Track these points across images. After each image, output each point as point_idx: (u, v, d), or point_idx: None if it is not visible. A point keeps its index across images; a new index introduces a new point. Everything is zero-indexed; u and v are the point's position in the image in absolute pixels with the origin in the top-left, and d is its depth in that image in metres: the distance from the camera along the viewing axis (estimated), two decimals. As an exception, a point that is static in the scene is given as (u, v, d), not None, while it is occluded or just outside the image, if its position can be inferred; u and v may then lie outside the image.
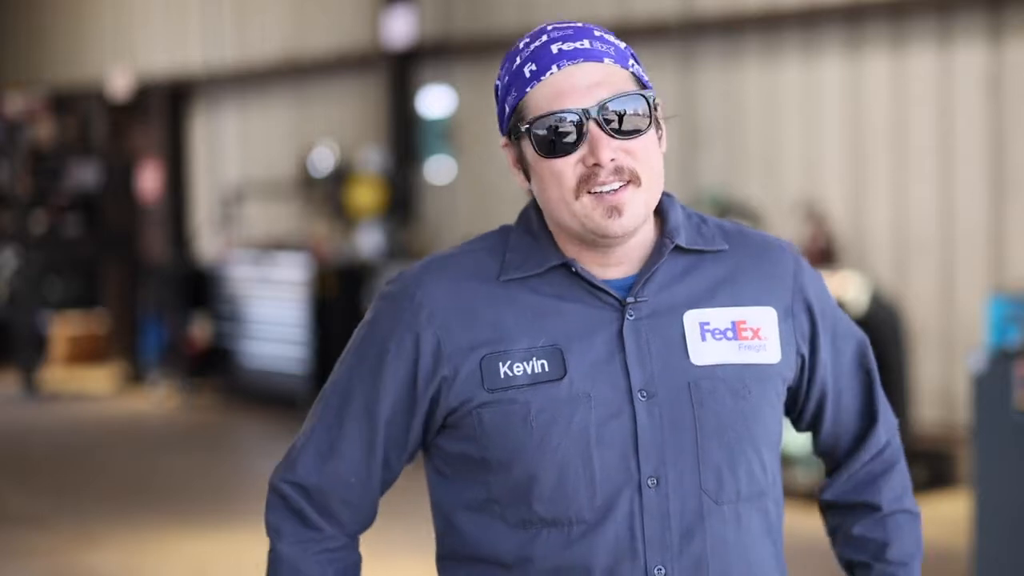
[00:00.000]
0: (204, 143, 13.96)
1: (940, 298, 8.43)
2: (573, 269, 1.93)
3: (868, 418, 2.15)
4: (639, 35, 9.70)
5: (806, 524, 7.26)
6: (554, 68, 1.90)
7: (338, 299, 10.87)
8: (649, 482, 1.89)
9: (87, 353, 14.02)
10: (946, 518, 7.18)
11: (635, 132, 1.89)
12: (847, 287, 7.85)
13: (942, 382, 8.38)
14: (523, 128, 1.90)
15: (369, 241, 11.28)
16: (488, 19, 10.88)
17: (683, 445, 1.90)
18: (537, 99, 1.90)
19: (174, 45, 13.99)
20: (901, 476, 2.13)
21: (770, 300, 1.98)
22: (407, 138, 11.46)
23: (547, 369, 1.90)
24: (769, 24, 9.08)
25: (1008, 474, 5.13)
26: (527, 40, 1.96)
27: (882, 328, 7.81)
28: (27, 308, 12.98)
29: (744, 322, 1.96)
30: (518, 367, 1.90)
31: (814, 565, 6.67)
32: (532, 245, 1.96)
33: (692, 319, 1.94)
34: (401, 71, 11.39)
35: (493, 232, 2.01)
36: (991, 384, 5.13)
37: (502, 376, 1.90)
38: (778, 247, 2.04)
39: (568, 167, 1.88)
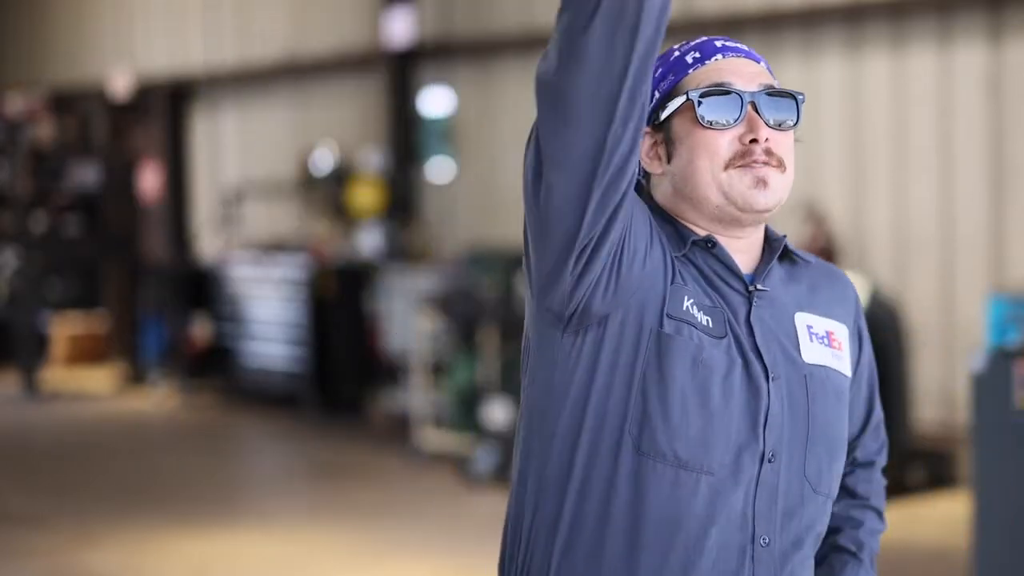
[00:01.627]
0: (204, 143, 13.96)
1: (940, 298, 8.43)
2: (712, 244, 2.01)
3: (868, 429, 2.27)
4: (639, 35, 9.70)
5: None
6: (719, 56, 2.03)
7: (338, 299, 10.88)
8: (770, 456, 1.97)
9: (87, 353, 14.02)
10: (946, 518, 7.18)
11: (785, 125, 2.03)
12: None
13: (942, 382, 8.38)
14: (689, 96, 1.98)
15: (369, 241, 11.28)
16: (488, 19, 10.88)
17: (796, 431, 2.00)
18: (699, 77, 2.01)
19: (174, 45, 13.99)
20: (882, 492, 2.26)
21: (844, 319, 2.13)
22: (407, 138, 11.46)
23: (711, 325, 1.97)
24: (769, 24, 9.08)
25: (1008, 474, 5.13)
26: (685, 43, 2.08)
27: (882, 328, 7.81)
28: (27, 308, 12.98)
29: (833, 333, 2.10)
30: (695, 310, 1.97)
31: (814, 565, 6.66)
32: (668, 229, 2.03)
33: (801, 320, 2.07)
34: (401, 71, 11.39)
35: None
36: (991, 384, 5.13)
37: (684, 308, 1.96)
38: (843, 274, 2.20)
39: (724, 140, 1.99)
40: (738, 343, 1.98)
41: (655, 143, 2.04)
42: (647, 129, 2.04)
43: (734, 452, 1.95)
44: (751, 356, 1.98)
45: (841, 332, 2.11)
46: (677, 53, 2.06)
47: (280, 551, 7.10)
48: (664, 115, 2.02)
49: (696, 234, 2.01)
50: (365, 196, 11.31)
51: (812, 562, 2.06)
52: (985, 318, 5.54)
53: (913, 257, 8.54)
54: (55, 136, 14.54)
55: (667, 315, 1.95)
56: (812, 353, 2.05)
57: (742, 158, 1.98)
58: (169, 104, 13.98)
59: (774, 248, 2.07)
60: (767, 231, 2.09)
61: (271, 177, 12.68)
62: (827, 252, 8.62)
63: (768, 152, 1.99)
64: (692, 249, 2.01)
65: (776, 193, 2.00)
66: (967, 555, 5.72)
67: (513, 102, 10.69)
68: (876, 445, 2.23)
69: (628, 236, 1.91)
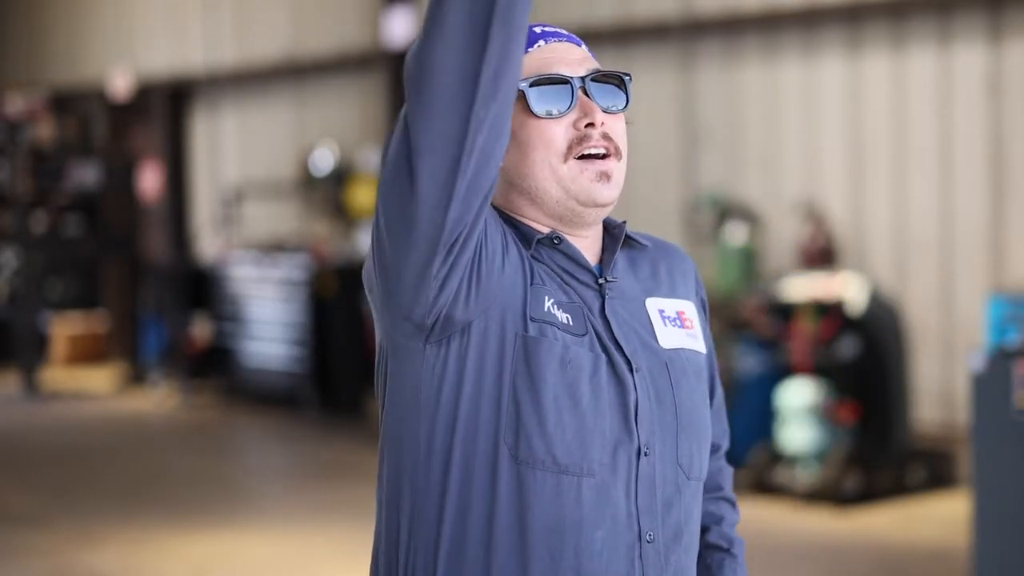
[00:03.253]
0: (204, 143, 13.96)
1: (940, 298, 8.43)
2: (558, 241, 1.97)
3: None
4: (639, 35, 9.70)
5: (806, 524, 7.26)
6: (540, 42, 1.99)
7: (338, 299, 10.88)
8: (645, 450, 1.94)
9: (87, 353, 14.03)
10: (946, 518, 7.19)
11: (615, 108, 1.97)
12: (847, 287, 7.85)
13: (942, 382, 8.38)
14: (519, 87, 1.91)
15: (369, 241, 11.27)
16: (488, 19, 10.87)
17: (665, 419, 1.97)
18: (527, 67, 1.95)
19: (174, 45, 13.99)
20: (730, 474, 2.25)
21: (689, 295, 2.10)
22: (407, 138, 11.45)
23: (571, 323, 1.93)
24: (769, 24, 9.08)
25: (1008, 474, 5.13)
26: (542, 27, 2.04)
27: (882, 328, 7.81)
28: (27, 308, 12.98)
29: (683, 312, 2.07)
30: (556, 310, 1.94)
31: (814, 565, 6.67)
32: (510, 228, 1.98)
33: (652, 305, 2.03)
34: (401, 71, 11.38)
35: None
36: (991, 384, 5.13)
37: (546, 309, 1.93)
38: (678, 248, 2.16)
39: (560, 128, 1.94)
40: (599, 338, 1.94)
41: None
42: None
43: (611, 450, 1.91)
44: (612, 350, 1.94)
45: (690, 309, 2.08)
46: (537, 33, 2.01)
47: (280, 551, 7.10)
48: None
49: (539, 232, 1.97)
50: (365, 196, 11.31)
51: (695, 550, 2.02)
52: (985, 318, 5.54)
53: (913, 257, 8.54)
54: (55, 136, 14.54)
55: (530, 318, 1.90)
56: (668, 337, 2.01)
57: (580, 144, 1.93)
58: (169, 104, 13.99)
59: (616, 236, 2.02)
60: (605, 220, 2.04)
61: (271, 177, 12.69)
62: (827, 252, 8.62)
63: (605, 137, 1.94)
64: (537, 248, 1.97)
65: (618, 185, 1.96)
66: (967, 555, 5.72)
67: (513, 102, 10.69)
68: (720, 428, 2.19)
69: (485, 239, 1.87)
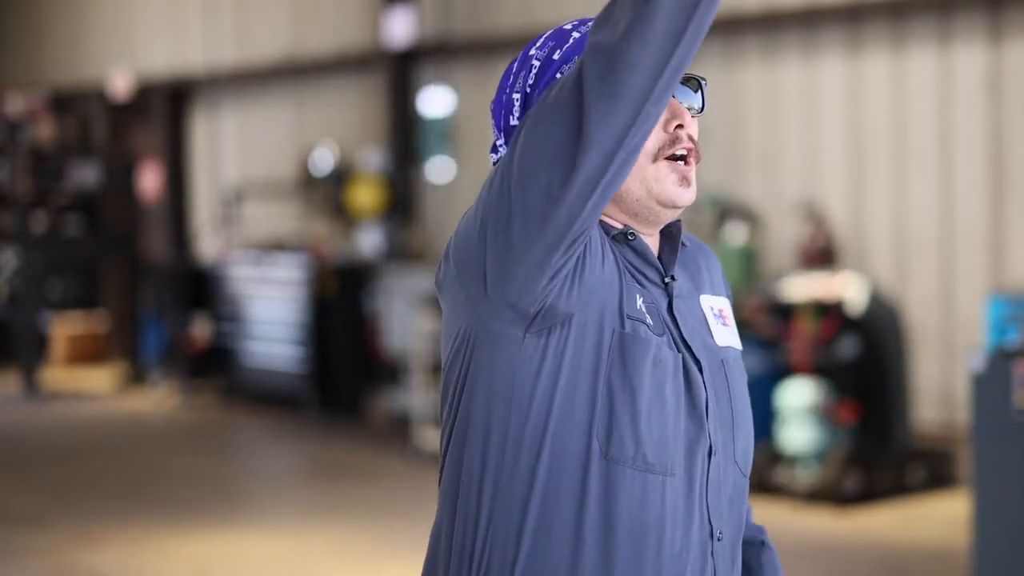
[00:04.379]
0: (204, 143, 13.96)
1: (940, 298, 8.43)
2: (632, 237, 1.97)
3: None
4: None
5: (806, 524, 7.26)
6: None
7: (338, 299, 10.88)
8: (714, 449, 1.97)
9: (87, 353, 14.03)
10: (946, 518, 7.19)
11: (696, 111, 1.99)
12: (847, 287, 7.85)
13: (942, 382, 8.38)
14: None
15: (369, 241, 11.29)
16: (488, 19, 10.88)
17: (724, 418, 2.00)
18: None
19: (174, 45, 13.99)
20: None
21: (725, 292, 2.13)
22: (407, 138, 11.46)
23: (653, 324, 1.94)
24: (769, 24, 9.08)
25: (1008, 474, 5.13)
26: (576, 23, 2.02)
27: (882, 328, 7.81)
28: (27, 308, 12.98)
29: (723, 310, 2.09)
30: (644, 308, 1.94)
31: (814, 565, 6.67)
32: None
33: (705, 304, 2.05)
34: (401, 71, 11.39)
35: None
36: (991, 384, 5.13)
37: (637, 307, 1.93)
38: (707, 246, 2.18)
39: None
40: (672, 338, 1.95)
41: None
42: None
43: (689, 450, 1.93)
44: (684, 349, 1.95)
45: (727, 307, 2.10)
46: (576, 35, 1.99)
47: (280, 551, 7.10)
48: None
49: (613, 227, 1.97)
50: (365, 196, 11.31)
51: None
52: (985, 318, 5.54)
53: (913, 257, 8.54)
54: (55, 136, 14.54)
55: (627, 315, 1.91)
56: (720, 335, 2.03)
57: (671, 146, 1.94)
58: (169, 104, 13.99)
59: (672, 235, 2.03)
60: None
61: (271, 177, 12.69)
62: (827, 252, 8.62)
63: (691, 138, 1.96)
64: (610, 243, 1.97)
65: (695, 189, 1.98)
66: (967, 555, 5.72)
67: (513, 102, 10.69)
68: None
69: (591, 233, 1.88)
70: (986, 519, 5.15)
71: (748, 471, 2.05)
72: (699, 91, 1.99)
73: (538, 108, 1.80)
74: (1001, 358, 5.14)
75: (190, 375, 11.96)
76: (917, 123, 8.49)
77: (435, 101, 11.42)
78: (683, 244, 2.07)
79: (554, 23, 10.69)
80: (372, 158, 11.48)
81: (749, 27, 9.20)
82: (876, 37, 8.64)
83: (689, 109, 1.97)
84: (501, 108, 2.03)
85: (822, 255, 8.59)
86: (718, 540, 1.96)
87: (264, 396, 11.39)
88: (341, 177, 11.70)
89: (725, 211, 9.02)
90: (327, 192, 11.85)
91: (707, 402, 1.95)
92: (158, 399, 11.99)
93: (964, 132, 8.28)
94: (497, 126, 2.04)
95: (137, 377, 12.82)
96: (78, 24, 15.42)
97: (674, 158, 1.95)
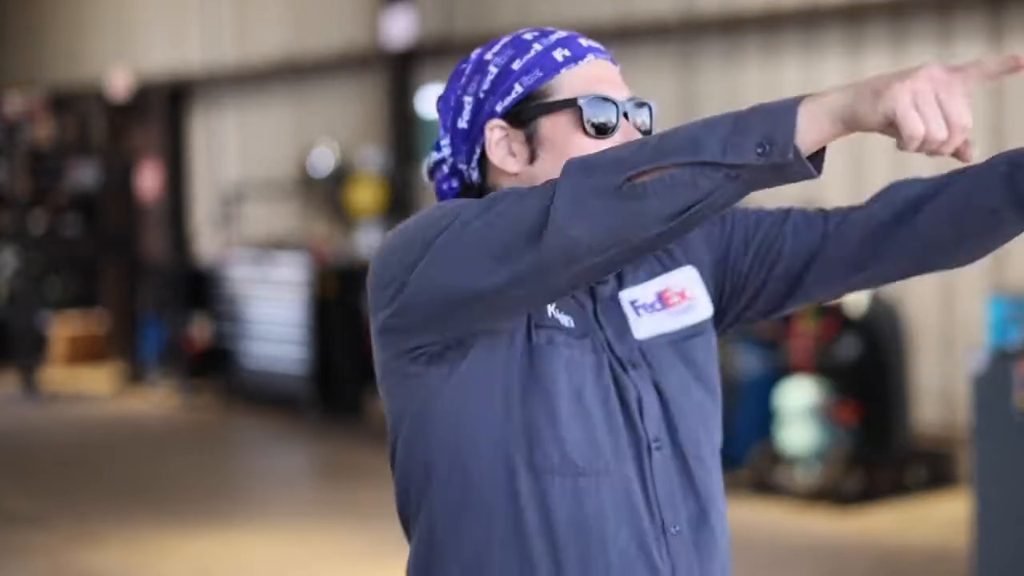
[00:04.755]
0: (204, 143, 13.96)
1: (940, 298, 8.43)
2: None
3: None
4: (639, 35, 9.70)
5: (806, 524, 7.26)
6: (590, 56, 1.99)
7: (338, 299, 10.88)
8: (655, 444, 1.96)
9: (87, 353, 14.02)
10: (946, 518, 7.19)
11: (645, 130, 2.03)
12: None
13: (942, 382, 8.38)
14: (578, 103, 1.94)
15: (369, 241, 11.28)
16: (488, 19, 10.88)
17: (664, 410, 1.99)
18: (573, 81, 1.97)
19: (174, 45, 13.99)
20: None
21: (680, 260, 2.07)
22: (407, 138, 11.46)
23: (573, 325, 1.95)
24: (769, 24, 9.08)
25: (1008, 474, 5.13)
26: (536, 33, 2.01)
27: (882, 328, 7.81)
28: (27, 308, 12.98)
29: (667, 290, 2.05)
30: (559, 312, 1.95)
31: (814, 565, 6.67)
32: None
33: (625, 299, 2.03)
34: (401, 71, 11.39)
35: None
36: (991, 384, 5.13)
37: (549, 315, 1.94)
38: None
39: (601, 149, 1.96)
40: (597, 339, 1.96)
41: (508, 138, 1.98)
42: (499, 123, 1.99)
43: (623, 448, 1.93)
44: (610, 350, 1.96)
45: (680, 280, 2.05)
46: (538, 47, 1.98)
47: (280, 551, 7.10)
48: (529, 115, 1.97)
49: None
50: (365, 196, 11.30)
51: (726, 531, 2.03)
52: (985, 318, 5.55)
53: (913, 257, 8.55)
54: (54, 136, 14.53)
55: (536, 326, 1.91)
56: (643, 326, 2.01)
57: None
58: (168, 104, 13.98)
59: None
60: None
61: (271, 177, 12.68)
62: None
63: None
64: None
65: None
66: (967, 555, 5.72)
67: (513, 102, 10.70)
68: (811, 221, 2.06)
69: None
70: (986, 519, 5.15)
71: (706, 453, 2.00)
72: (648, 115, 2.03)
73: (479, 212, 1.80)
74: (1001, 358, 5.14)
75: (190, 375, 11.96)
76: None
77: (435, 101, 11.42)
78: None
79: (553, 23, 10.71)
80: (372, 158, 11.48)
81: (749, 27, 9.20)
82: (876, 37, 8.64)
83: (639, 129, 2.00)
84: (449, 110, 2.05)
85: (822, 255, 8.58)
86: (673, 533, 1.95)
87: (264, 396, 11.39)
88: (341, 177, 11.70)
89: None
90: (327, 192, 11.85)
91: (639, 399, 1.95)
92: (158, 399, 11.99)
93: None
94: (443, 126, 2.06)
95: (136, 377, 12.82)
96: (77, 24, 15.42)
97: None
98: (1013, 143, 8.10)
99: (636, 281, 2.04)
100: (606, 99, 1.96)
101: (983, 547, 5.15)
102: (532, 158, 1.98)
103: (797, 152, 1.62)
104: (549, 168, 1.95)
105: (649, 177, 1.67)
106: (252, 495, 8.74)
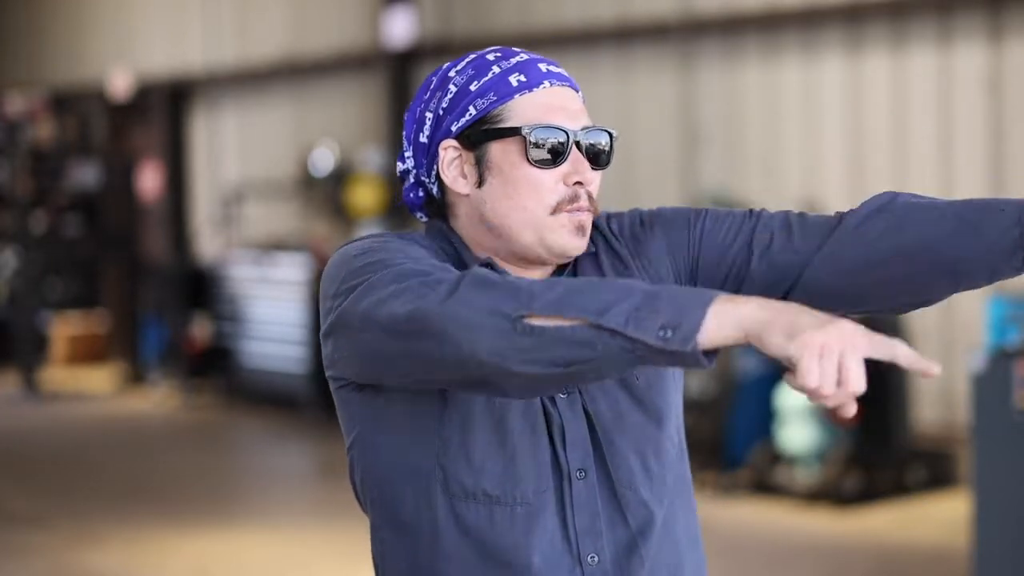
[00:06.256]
0: (204, 143, 13.96)
1: (940, 298, 8.43)
2: (491, 268, 1.97)
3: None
4: (639, 35, 9.70)
5: (806, 524, 7.26)
6: (546, 83, 1.97)
7: (338, 299, 10.86)
8: (578, 473, 1.96)
9: (87, 353, 14.02)
10: (946, 518, 7.19)
11: (602, 165, 1.99)
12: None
13: (942, 382, 8.38)
14: (522, 132, 1.94)
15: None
16: (488, 19, 10.88)
17: (595, 438, 1.98)
18: (525, 108, 1.96)
19: (174, 45, 14.00)
20: None
21: (639, 271, 2.04)
22: (407, 138, 11.45)
23: None
24: (769, 24, 9.08)
25: (1008, 474, 5.13)
26: (499, 54, 2.01)
27: (882, 328, 7.80)
28: (27, 308, 12.98)
29: None
30: None
31: (814, 565, 6.67)
32: (449, 250, 2.01)
33: None
34: (401, 71, 11.39)
35: (421, 233, 2.07)
36: (991, 384, 5.13)
37: None
38: (619, 223, 2.08)
39: (551, 179, 1.95)
40: None
41: (460, 159, 1.99)
42: (452, 143, 1.98)
43: (543, 477, 1.94)
44: None
45: None
46: (497, 69, 1.98)
47: (280, 551, 7.10)
48: (479, 138, 1.97)
49: (477, 258, 1.99)
50: (365, 196, 11.31)
51: (669, 560, 2.01)
52: (985, 318, 5.55)
53: (913, 257, 8.54)
54: (55, 136, 14.54)
55: None
56: None
57: (570, 203, 1.95)
58: (169, 104, 13.99)
59: (565, 265, 2.03)
60: None
61: (271, 177, 12.69)
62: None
63: (589, 196, 1.97)
64: None
65: (587, 238, 1.98)
66: (967, 555, 5.72)
67: (513, 102, 10.69)
68: (821, 228, 1.98)
69: None
70: (986, 519, 5.15)
71: (640, 483, 1.98)
72: (608, 143, 1.99)
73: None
74: (1001, 358, 5.14)
75: (190, 375, 11.96)
76: (917, 123, 8.49)
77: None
78: (581, 259, 2.03)
79: (552, 23, 10.73)
80: (372, 158, 11.48)
81: (749, 27, 9.19)
82: (876, 37, 8.64)
83: (597, 166, 1.97)
84: (413, 121, 2.04)
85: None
86: (591, 563, 1.95)
87: (264, 396, 11.39)
88: (341, 177, 11.70)
89: (725, 211, 9.02)
90: (327, 192, 11.85)
91: (562, 427, 1.95)
92: (158, 399, 11.99)
93: (964, 132, 8.28)
94: (407, 137, 2.06)
95: (137, 377, 12.82)
96: (78, 24, 15.42)
97: (572, 211, 1.96)
98: (1013, 142, 8.11)
99: None
100: (554, 128, 1.94)
101: (983, 547, 5.15)
102: (480, 182, 1.98)
103: (695, 346, 1.64)
104: (495, 194, 1.96)
105: (547, 322, 1.68)
106: (252, 495, 8.74)
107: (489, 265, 1.97)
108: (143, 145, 14.30)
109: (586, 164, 1.96)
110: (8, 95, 14.48)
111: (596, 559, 1.95)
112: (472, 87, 1.98)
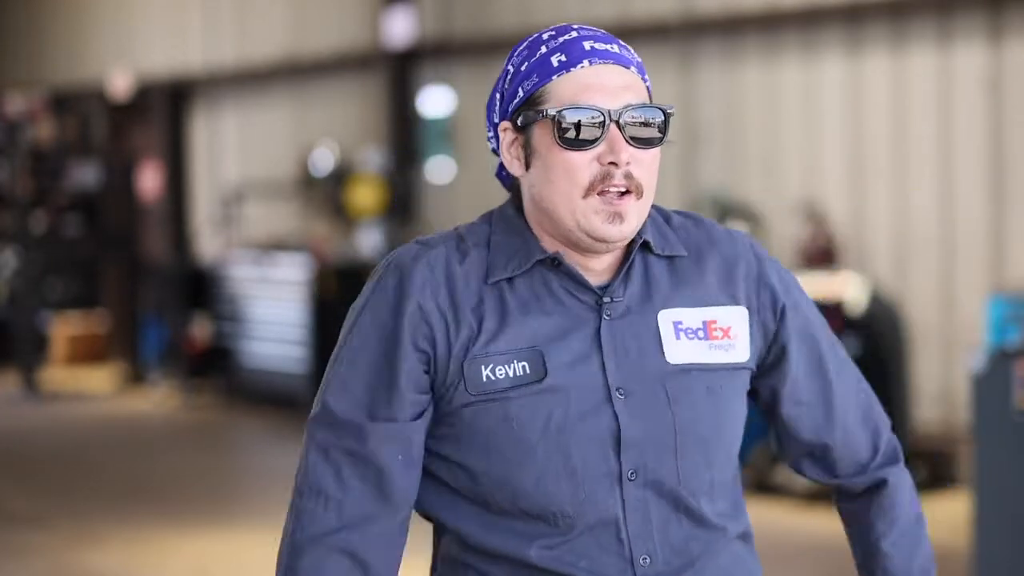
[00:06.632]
0: (204, 143, 13.96)
1: (940, 298, 8.43)
2: (557, 263, 1.96)
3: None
4: (639, 35, 9.70)
5: (806, 524, 7.26)
6: (585, 63, 1.93)
7: (338, 299, 10.87)
8: (630, 475, 1.93)
9: (87, 353, 14.02)
10: (946, 518, 7.19)
11: (649, 143, 1.94)
12: (847, 287, 7.85)
13: (942, 382, 8.38)
14: (549, 113, 1.92)
15: (369, 241, 11.28)
16: (488, 19, 10.88)
17: (661, 439, 1.95)
18: (563, 89, 1.93)
19: (174, 45, 13.99)
20: None
21: (738, 299, 2.03)
22: (407, 138, 11.46)
23: (528, 371, 1.93)
24: (769, 24, 9.08)
25: (1008, 474, 5.13)
26: (553, 33, 1.98)
27: (882, 328, 7.81)
28: (27, 308, 12.98)
29: (715, 322, 2.01)
30: (500, 370, 1.93)
31: (814, 565, 6.67)
32: (515, 243, 1.98)
33: (666, 318, 1.98)
34: (401, 71, 11.39)
35: (478, 224, 2.03)
36: (991, 384, 5.13)
37: (484, 380, 1.93)
38: (739, 243, 2.08)
39: (584, 162, 1.91)
40: (585, 368, 1.94)
41: (515, 141, 1.98)
42: (508, 125, 1.98)
43: (586, 484, 1.92)
44: (603, 374, 1.94)
45: (730, 316, 2.01)
46: (544, 49, 1.96)
47: (280, 551, 7.09)
48: (524, 121, 1.95)
49: (544, 251, 1.96)
50: (365, 196, 11.31)
51: (727, 556, 2.01)
52: (985, 318, 5.55)
53: (913, 257, 8.54)
54: (55, 136, 14.53)
55: (469, 393, 1.93)
56: (680, 352, 1.97)
57: (602, 182, 1.91)
58: (169, 104, 13.98)
59: (630, 251, 1.99)
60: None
61: (271, 177, 12.69)
62: (827, 252, 8.62)
63: (628, 176, 1.91)
64: (535, 267, 1.96)
65: (631, 224, 1.93)
66: (967, 555, 5.72)
67: (513, 102, 10.69)
68: (863, 437, 2.18)
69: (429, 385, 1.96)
70: (986, 519, 5.15)
71: (703, 490, 1.98)
72: (660, 120, 1.95)
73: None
74: (1001, 358, 5.14)
75: (190, 375, 11.96)
76: (917, 123, 8.49)
77: (435, 101, 11.42)
78: (670, 256, 2.02)
79: (554, 23, 10.69)
80: (372, 158, 11.48)
81: (749, 27, 9.20)
82: (876, 37, 8.64)
83: (641, 143, 1.93)
84: (491, 103, 2.05)
85: (822, 255, 8.59)
86: (643, 565, 1.94)
87: (264, 396, 11.39)
88: (341, 177, 11.70)
89: (725, 211, 9.02)
90: (327, 192, 11.85)
91: (619, 428, 1.93)
92: (158, 399, 11.99)
93: (964, 132, 8.28)
94: (488, 120, 2.05)
95: (137, 377, 12.82)
96: (78, 24, 15.42)
97: (605, 193, 1.92)
98: (1013, 143, 8.11)
99: (683, 303, 2.00)
100: (585, 108, 1.91)
101: (983, 547, 5.15)
102: (528, 165, 1.97)
103: None
104: (540, 177, 1.95)
105: None
106: (252, 495, 8.74)
107: (556, 261, 1.95)
108: (143, 145, 14.30)
109: (623, 143, 1.91)
110: (8, 95, 14.48)
111: (647, 560, 1.94)
112: (523, 68, 1.97)
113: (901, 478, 2.16)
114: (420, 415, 1.95)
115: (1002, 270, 8.14)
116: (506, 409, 1.92)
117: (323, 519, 1.96)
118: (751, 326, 2.03)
